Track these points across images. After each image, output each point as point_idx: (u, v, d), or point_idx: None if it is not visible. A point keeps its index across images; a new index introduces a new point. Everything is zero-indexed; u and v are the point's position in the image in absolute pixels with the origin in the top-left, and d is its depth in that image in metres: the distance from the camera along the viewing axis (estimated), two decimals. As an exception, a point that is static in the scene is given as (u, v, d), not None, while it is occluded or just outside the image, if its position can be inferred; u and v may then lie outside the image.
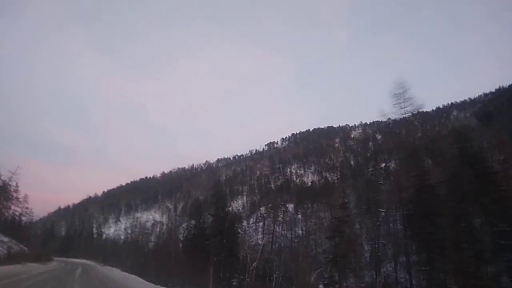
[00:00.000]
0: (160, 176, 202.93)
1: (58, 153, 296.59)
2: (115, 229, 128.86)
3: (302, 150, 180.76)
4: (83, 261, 73.48)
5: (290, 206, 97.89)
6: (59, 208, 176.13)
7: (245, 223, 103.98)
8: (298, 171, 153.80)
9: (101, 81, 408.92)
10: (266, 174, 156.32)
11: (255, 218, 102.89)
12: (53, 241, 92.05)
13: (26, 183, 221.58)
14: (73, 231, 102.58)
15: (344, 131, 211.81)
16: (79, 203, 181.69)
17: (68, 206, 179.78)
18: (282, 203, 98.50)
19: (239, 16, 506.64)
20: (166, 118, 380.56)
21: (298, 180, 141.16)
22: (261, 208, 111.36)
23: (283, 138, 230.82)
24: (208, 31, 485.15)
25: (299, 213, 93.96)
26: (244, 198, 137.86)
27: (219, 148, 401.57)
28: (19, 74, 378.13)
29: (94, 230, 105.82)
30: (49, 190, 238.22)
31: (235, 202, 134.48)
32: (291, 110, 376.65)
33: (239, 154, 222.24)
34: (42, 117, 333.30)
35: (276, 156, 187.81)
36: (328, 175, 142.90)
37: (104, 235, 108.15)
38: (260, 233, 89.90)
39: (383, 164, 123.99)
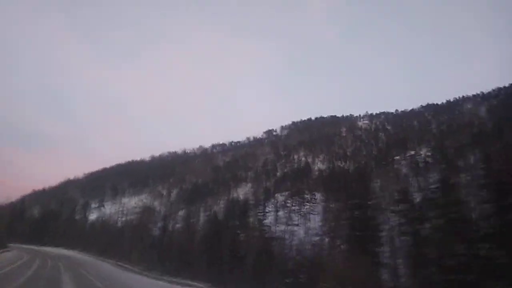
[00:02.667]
0: (149, 160, 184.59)
1: (36, 140, 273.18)
2: (99, 214, 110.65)
3: (308, 137, 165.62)
4: (66, 252, 54.27)
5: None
6: (34, 191, 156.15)
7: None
8: (307, 159, 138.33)
9: (82, 69, 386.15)
10: (272, 160, 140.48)
11: (271, 206, 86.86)
12: (22, 224, 73.61)
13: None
14: (49, 213, 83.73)
15: (349, 120, 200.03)
16: (57, 186, 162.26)
17: (44, 189, 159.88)
18: (307, 191, 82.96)
19: (233, 8, 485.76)
20: (151, 106, 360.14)
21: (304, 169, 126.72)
22: (276, 195, 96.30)
23: (282, 126, 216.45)
24: (202, 22, 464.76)
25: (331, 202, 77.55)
26: (249, 184, 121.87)
27: (212, 135, 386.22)
28: None
29: (77, 212, 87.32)
30: (25, 178, 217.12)
31: (239, 189, 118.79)
32: (288, 100, 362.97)
33: (235, 141, 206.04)
34: (19, 103, 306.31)
35: (278, 143, 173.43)
36: (339, 164, 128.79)
37: (88, 220, 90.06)
38: (282, 224, 74.58)
39: (412, 152, 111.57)
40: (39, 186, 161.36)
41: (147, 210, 65.72)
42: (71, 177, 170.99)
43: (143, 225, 47.84)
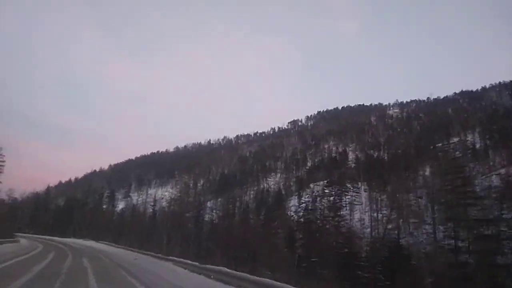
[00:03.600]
0: (173, 151, 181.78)
1: (61, 135, 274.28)
2: (126, 205, 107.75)
3: (336, 127, 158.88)
4: (93, 244, 46.05)
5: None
6: (60, 183, 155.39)
7: (293, 202, 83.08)
8: (338, 148, 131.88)
9: (102, 63, 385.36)
10: (301, 150, 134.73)
11: (307, 196, 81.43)
12: (45, 214, 70.00)
13: (25, 164, 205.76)
14: (74, 202, 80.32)
15: (378, 109, 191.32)
16: (82, 177, 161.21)
17: (70, 179, 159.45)
18: (348, 180, 76.64)
19: (252, 4, 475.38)
20: (174, 98, 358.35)
21: (339, 157, 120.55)
22: (311, 185, 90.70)
23: (308, 116, 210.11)
24: (222, 17, 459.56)
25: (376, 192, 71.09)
26: (278, 175, 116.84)
27: (235, 126, 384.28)
28: (20, 53, 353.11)
29: (103, 202, 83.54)
30: (52, 172, 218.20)
31: (268, 179, 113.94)
32: (312, 90, 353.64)
33: (260, 131, 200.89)
34: (42, 98, 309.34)
35: (305, 133, 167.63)
36: (373, 153, 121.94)
37: (116, 210, 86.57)
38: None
39: (456, 139, 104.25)
40: (65, 179, 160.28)
41: (183, 198, 61.01)
42: (97, 169, 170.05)
43: (182, 214, 42.92)
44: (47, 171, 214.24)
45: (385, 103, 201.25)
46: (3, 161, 43.60)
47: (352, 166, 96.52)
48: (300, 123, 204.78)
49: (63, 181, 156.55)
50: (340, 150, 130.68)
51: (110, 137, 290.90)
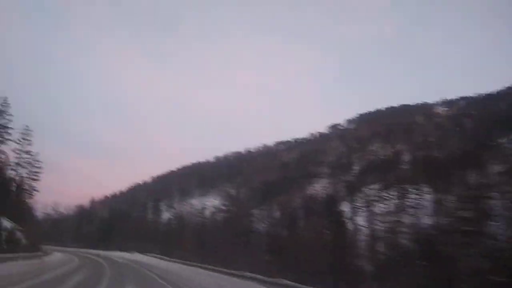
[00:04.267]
0: (214, 161, 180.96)
1: (102, 150, 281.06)
2: (168, 216, 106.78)
3: (381, 128, 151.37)
4: (141, 258, 41.24)
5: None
6: (106, 197, 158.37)
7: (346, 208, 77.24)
8: (386, 150, 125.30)
9: (142, 78, 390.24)
10: (346, 153, 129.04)
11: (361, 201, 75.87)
12: (89, 227, 69.55)
13: (73, 181, 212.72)
14: (118, 213, 79.41)
15: (424, 108, 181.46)
16: (126, 191, 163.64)
17: (115, 194, 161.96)
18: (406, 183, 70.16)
19: (288, 12, 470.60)
20: (209, 108, 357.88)
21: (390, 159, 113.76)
22: (363, 189, 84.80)
23: (348, 120, 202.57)
24: (261, 26, 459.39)
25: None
26: (324, 180, 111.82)
27: (272, 134, 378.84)
28: (67, 74, 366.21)
29: (148, 213, 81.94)
30: (96, 187, 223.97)
31: (315, 184, 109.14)
32: (349, 93, 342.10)
33: (299, 137, 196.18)
34: (86, 115, 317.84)
35: (347, 136, 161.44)
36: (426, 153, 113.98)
37: (161, 220, 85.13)
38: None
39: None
40: (109, 193, 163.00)
41: (238, 204, 57.74)
42: (140, 181, 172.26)
43: (240, 223, 39.16)
44: (92, 186, 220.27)
45: (430, 101, 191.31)
46: (40, 168, 44.90)
47: (406, 168, 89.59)
48: (341, 127, 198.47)
49: (107, 195, 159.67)
50: (389, 152, 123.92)
51: (151, 150, 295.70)
